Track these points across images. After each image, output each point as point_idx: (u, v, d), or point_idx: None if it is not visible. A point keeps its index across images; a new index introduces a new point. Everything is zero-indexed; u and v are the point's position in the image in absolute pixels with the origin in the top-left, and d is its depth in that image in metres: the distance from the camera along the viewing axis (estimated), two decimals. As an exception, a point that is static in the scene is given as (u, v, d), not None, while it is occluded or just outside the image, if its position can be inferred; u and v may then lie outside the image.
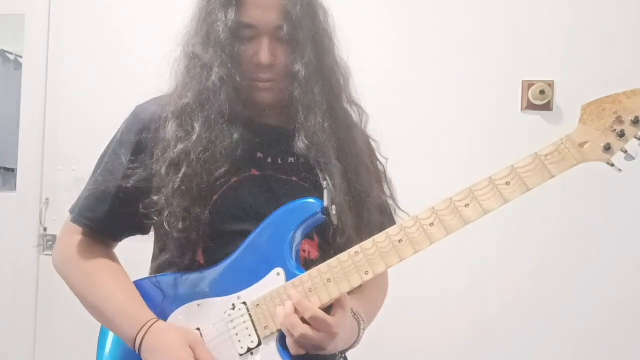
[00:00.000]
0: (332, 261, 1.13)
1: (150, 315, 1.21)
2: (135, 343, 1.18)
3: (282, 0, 1.23)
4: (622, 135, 1.03)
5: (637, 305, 2.36)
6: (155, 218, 1.21)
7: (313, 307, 1.10)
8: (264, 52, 1.23)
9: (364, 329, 1.22)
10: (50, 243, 2.70)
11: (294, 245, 1.18)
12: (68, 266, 1.32)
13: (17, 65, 2.95)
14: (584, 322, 2.37)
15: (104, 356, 1.28)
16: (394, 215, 1.36)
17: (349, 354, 1.26)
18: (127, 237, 1.34)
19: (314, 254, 1.26)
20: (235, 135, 1.23)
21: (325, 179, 1.22)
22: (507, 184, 1.06)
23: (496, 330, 2.40)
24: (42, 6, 2.74)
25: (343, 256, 1.12)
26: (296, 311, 1.10)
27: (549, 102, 2.41)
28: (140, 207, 1.22)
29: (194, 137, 1.21)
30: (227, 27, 1.22)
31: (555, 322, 2.38)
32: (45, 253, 2.71)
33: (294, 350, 1.12)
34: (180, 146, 1.21)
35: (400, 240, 1.09)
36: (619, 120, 1.03)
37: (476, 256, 2.38)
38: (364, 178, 1.30)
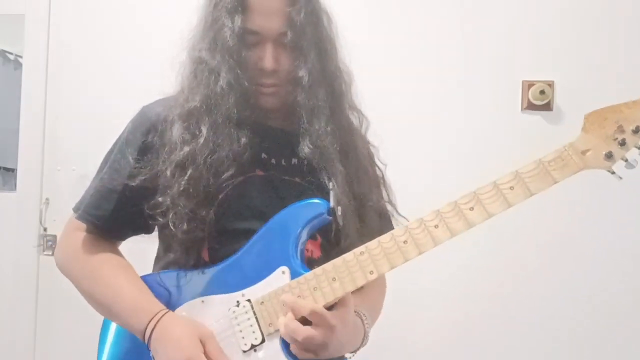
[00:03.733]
0: (337, 260, 1.13)
1: (160, 306, 1.21)
2: (145, 334, 1.18)
3: (286, 7, 1.24)
4: (623, 143, 1.06)
5: (633, 304, 2.38)
6: (160, 219, 1.21)
7: (307, 303, 1.10)
8: (267, 58, 1.24)
9: (368, 325, 1.23)
10: (50, 243, 2.70)
11: (299, 245, 1.18)
12: (73, 263, 1.32)
13: (17, 65, 2.95)
14: (581, 317, 2.38)
15: (103, 356, 1.29)
16: (392, 219, 1.37)
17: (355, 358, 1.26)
18: (132, 235, 1.35)
19: (317, 253, 1.27)
20: (243, 139, 1.23)
21: (330, 180, 1.23)
22: (511, 188, 1.08)
23: (494, 328, 2.41)
24: (42, 6, 2.75)
25: (348, 256, 1.13)
26: (295, 316, 1.10)
27: (549, 102, 2.42)
28: (146, 207, 1.22)
29: (201, 140, 1.22)
30: (234, 33, 1.23)
31: (552, 319, 2.39)
32: (45, 253, 2.71)
33: (300, 355, 1.12)
34: (186, 148, 1.22)
35: (405, 241, 1.10)
36: (620, 129, 1.06)
37: (475, 255, 2.38)
38: (364, 182, 1.31)
